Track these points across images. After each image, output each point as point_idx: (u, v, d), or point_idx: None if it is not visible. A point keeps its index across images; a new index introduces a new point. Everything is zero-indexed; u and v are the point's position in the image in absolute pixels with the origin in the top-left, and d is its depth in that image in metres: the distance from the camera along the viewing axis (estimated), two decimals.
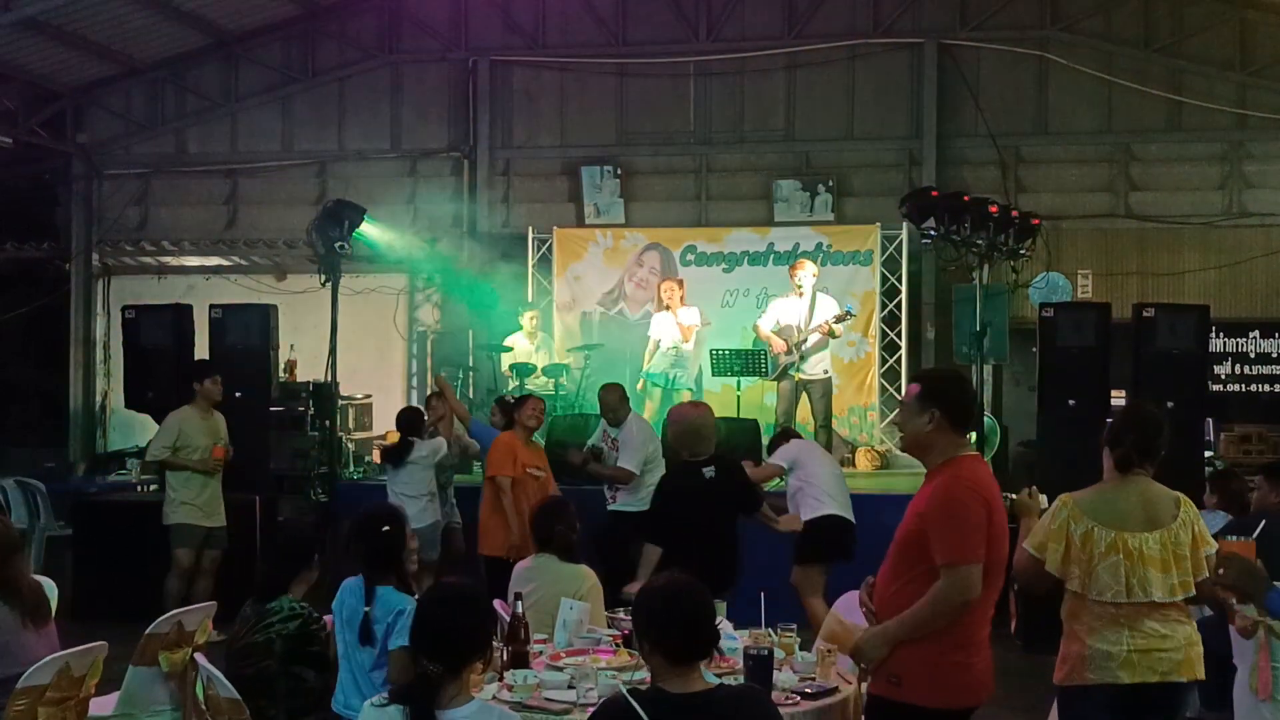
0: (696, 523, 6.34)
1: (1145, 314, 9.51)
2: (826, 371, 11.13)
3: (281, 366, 11.37)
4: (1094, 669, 4.19)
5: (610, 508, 8.49)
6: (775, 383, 11.19)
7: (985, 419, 10.36)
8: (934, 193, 10.25)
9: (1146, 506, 4.31)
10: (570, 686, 4.39)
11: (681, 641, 3.35)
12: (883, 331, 12.87)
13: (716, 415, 11.45)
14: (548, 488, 8.20)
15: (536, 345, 12.27)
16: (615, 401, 8.65)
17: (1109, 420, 4.57)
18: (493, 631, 3.80)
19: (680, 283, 12.05)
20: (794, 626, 5.07)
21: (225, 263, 14.75)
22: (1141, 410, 4.69)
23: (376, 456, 10.88)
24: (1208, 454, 10.48)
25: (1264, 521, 5.99)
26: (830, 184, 13.46)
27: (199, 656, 5.00)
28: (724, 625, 4.84)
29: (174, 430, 8.81)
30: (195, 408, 8.92)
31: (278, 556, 5.08)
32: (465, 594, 3.64)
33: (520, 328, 12.29)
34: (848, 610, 5.27)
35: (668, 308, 11.73)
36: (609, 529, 8.28)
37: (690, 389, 11.67)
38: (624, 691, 3.41)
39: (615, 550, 7.90)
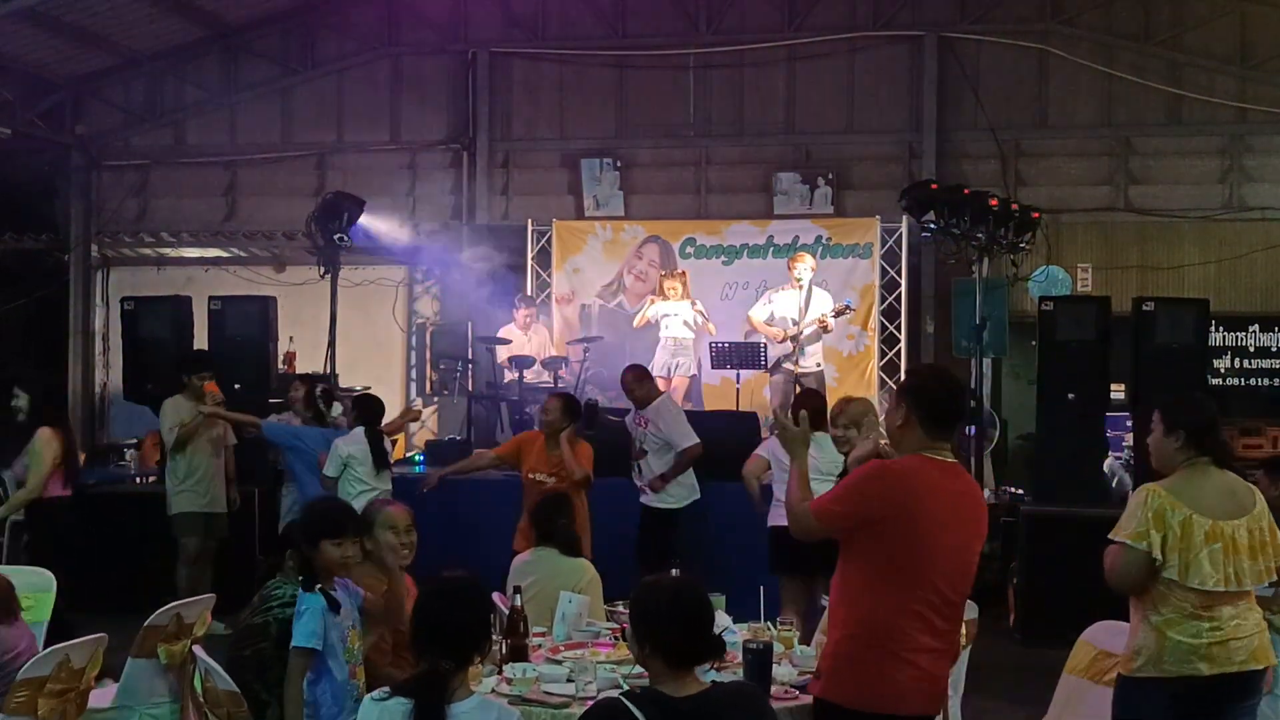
0: None
1: (1145, 308, 9.50)
2: (819, 365, 11.13)
3: (280, 358, 11.36)
4: (1174, 662, 4.16)
5: (643, 501, 8.40)
6: (770, 375, 11.20)
7: (985, 412, 10.37)
8: (934, 186, 10.25)
9: (1230, 494, 4.29)
10: (569, 680, 4.40)
11: (682, 640, 3.32)
12: (882, 325, 12.87)
13: (716, 408, 11.61)
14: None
15: (529, 336, 12.25)
16: (631, 381, 8.55)
17: (1164, 410, 4.42)
18: (491, 622, 3.81)
19: (681, 276, 12.01)
20: (792, 621, 5.08)
21: (224, 254, 14.75)
22: (1193, 400, 4.57)
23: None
24: None
25: None
26: (830, 177, 13.46)
27: (198, 649, 5.00)
28: (724, 620, 4.84)
29: (174, 414, 8.94)
30: (184, 397, 9.04)
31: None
32: (468, 586, 3.64)
33: (513, 320, 12.27)
34: None
35: (666, 299, 11.70)
36: (640, 523, 8.24)
37: (691, 375, 11.67)
38: (619, 694, 3.40)
39: (648, 545, 8.01)
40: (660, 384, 11.49)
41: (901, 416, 3.94)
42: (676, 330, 11.56)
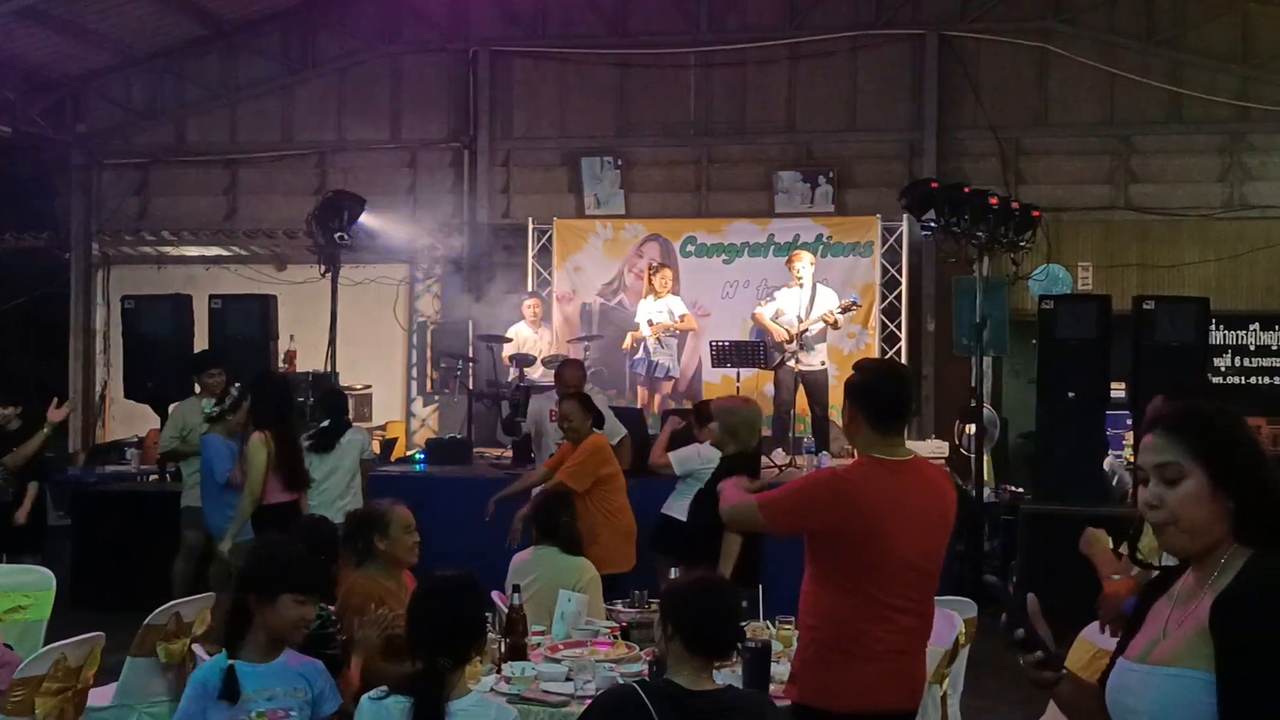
0: None
1: (1145, 306, 9.50)
2: (824, 363, 11.11)
3: (281, 357, 11.36)
4: None
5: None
6: (773, 373, 11.19)
7: (985, 411, 10.36)
8: (934, 184, 10.24)
9: None
10: (568, 679, 4.39)
11: (703, 631, 3.36)
12: (883, 323, 12.86)
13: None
14: None
15: (538, 333, 12.24)
16: (578, 376, 8.53)
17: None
18: (486, 618, 3.82)
19: (670, 270, 12.03)
20: (791, 619, 5.07)
21: (225, 253, 14.75)
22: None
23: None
24: None
25: None
26: (831, 175, 13.45)
27: (197, 647, 5.00)
28: None
29: (179, 421, 8.94)
30: (199, 398, 9.00)
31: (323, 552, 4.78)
32: (464, 583, 3.64)
33: (522, 317, 12.28)
34: None
35: (657, 294, 11.70)
36: None
37: (675, 376, 11.68)
38: (634, 683, 3.41)
39: None
40: (665, 385, 11.58)
41: (849, 414, 3.92)
42: (657, 326, 11.54)
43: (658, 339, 11.54)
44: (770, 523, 3.97)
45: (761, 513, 3.94)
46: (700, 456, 7.53)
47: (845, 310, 10.87)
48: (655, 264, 12.36)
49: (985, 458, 10.32)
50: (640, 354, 11.76)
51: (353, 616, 4.55)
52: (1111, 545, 4.36)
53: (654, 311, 11.61)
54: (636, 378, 11.92)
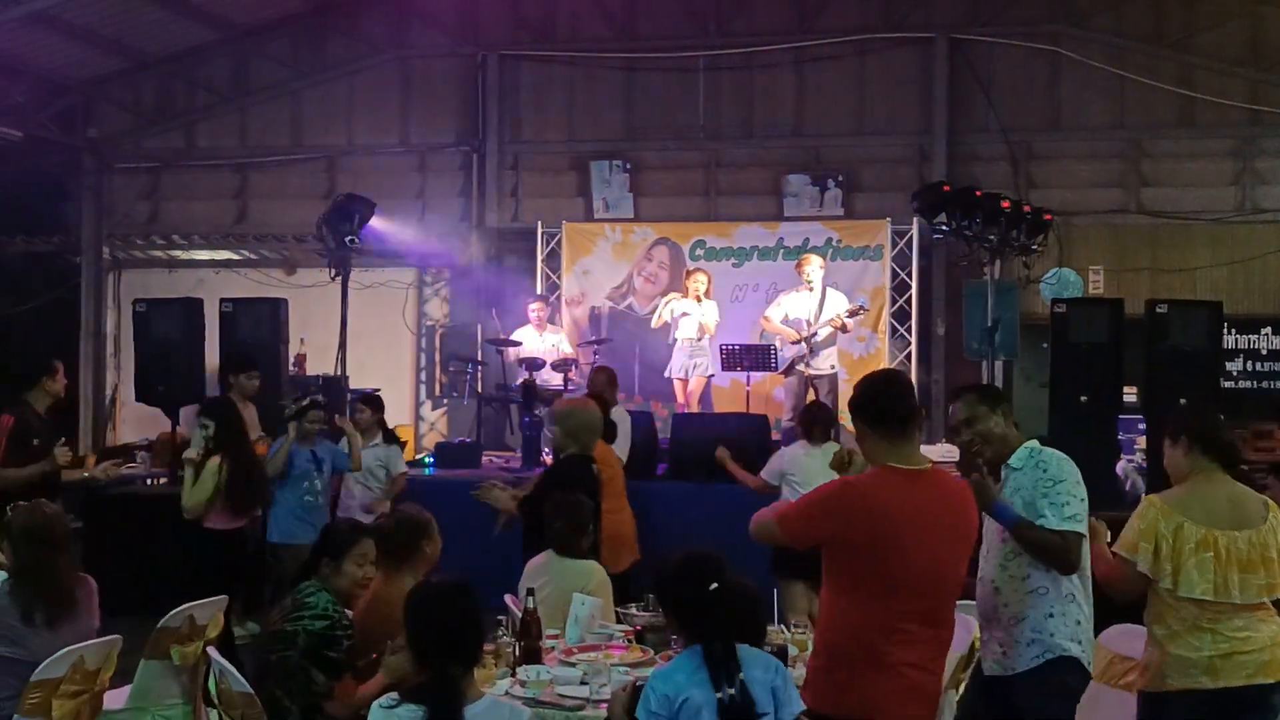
0: None
1: (1157, 310, 9.47)
2: (834, 367, 11.07)
3: (291, 360, 11.36)
4: (1175, 676, 4.14)
5: None
6: (783, 377, 11.18)
7: None
8: (945, 188, 10.22)
9: (1234, 506, 4.28)
10: (583, 682, 4.39)
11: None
12: (893, 327, 12.85)
13: (726, 410, 11.58)
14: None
15: (544, 336, 12.23)
16: (604, 383, 8.83)
17: (1168, 424, 4.51)
18: (484, 620, 3.81)
19: (706, 276, 11.99)
20: (807, 623, 5.06)
21: (235, 256, 14.78)
22: (1193, 407, 4.61)
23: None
24: None
25: None
26: (840, 179, 13.44)
27: (211, 650, 5.00)
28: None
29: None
30: (233, 397, 8.91)
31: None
32: (461, 587, 3.63)
33: (529, 321, 12.27)
34: None
35: (696, 298, 11.64)
36: None
37: (709, 375, 11.63)
38: None
39: None
40: (678, 386, 11.53)
41: (857, 431, 3.93)
42: (691, 331, 11.52)
43: (692, 342, 11.49)
44: (786, 534, 3.97)
45: (779, 526, 3.96)
46: (784, 458, 7.86)
47: (852, 315, 10.85)
48: (690, 268, 12.32)
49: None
50: (679, 352, 11.61)
51: (374, 623, 4.54)
52: (1110, 539, 4.43)
53: (696, 317, 11.51)
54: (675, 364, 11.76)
